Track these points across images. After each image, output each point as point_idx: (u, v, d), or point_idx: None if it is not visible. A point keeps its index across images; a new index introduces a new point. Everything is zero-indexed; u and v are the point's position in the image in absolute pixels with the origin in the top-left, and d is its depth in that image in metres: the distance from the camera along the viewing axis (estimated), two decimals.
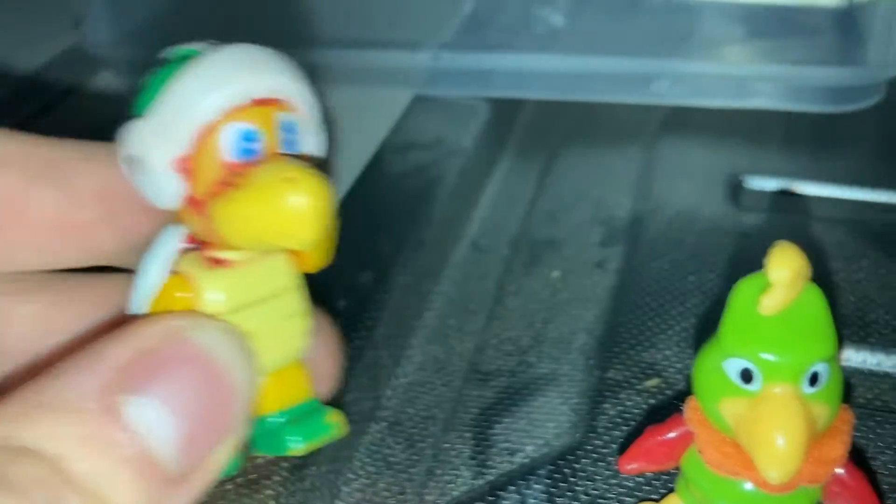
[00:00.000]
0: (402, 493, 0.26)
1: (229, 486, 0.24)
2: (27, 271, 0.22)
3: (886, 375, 0.28)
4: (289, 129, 0.19)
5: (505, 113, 0.42)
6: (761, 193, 0.35)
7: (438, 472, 0.26)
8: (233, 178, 0.18)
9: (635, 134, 0.40)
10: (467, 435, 0.27)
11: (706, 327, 0.24)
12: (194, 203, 0.19)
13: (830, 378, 0.19)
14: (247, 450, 0.22)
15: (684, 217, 0.35)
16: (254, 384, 0.19)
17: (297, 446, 0.21)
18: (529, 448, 0.26)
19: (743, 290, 0.20)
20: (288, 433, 0.22)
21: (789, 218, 0.34)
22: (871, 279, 0.31)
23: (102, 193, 0.21)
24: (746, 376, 0.19)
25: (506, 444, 0.26)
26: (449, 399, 0.28)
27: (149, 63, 0.20)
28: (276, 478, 0.25)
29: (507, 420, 0.27)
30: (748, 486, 0.20)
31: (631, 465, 0.22)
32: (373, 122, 0.40)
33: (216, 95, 0.18)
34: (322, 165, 0.20)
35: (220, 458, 0.18)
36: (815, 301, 0.19)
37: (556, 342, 0.30)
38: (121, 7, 0.42)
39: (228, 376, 0.19)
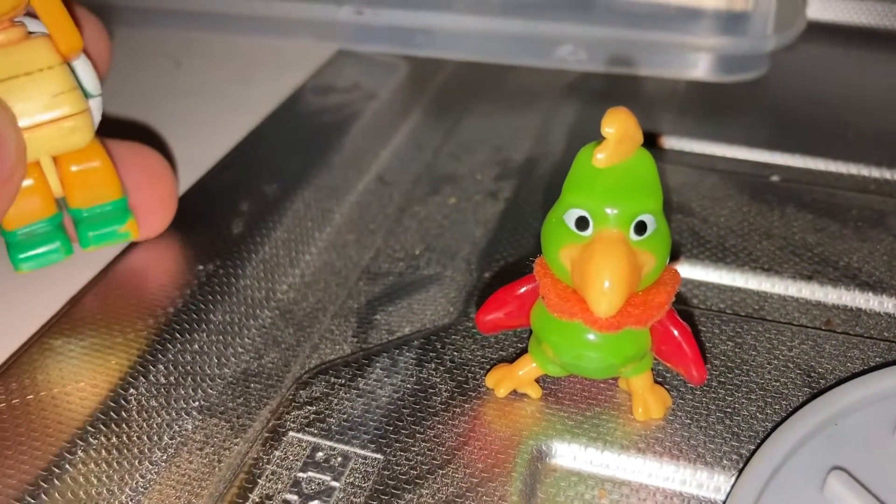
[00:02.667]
0: (286, 366, 0.28)
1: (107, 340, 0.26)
2: None
3: (737, 289, 0.31)
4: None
5: (422, 71, 0.45)
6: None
7: (322, 348, 0.28)
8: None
9: (540, 95, 0.43)
10: (352, 319, 0.29)
11: None
12: None
13: (656, 231, 0.22)
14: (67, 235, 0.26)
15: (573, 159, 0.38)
16: (16, 145, 0.23)
17: (86, 245, 0.27)
18: (406, 329, 0.28)
19: (584, 153, 0.22)
20: (84, 229, 0.26)
21: (671, 166, 0.37)
22: (733, 215, 0.34)
23: None
24: (582, 224, 0.22)
25: (386, 326, 0.29)
26: (340, 295, 0.31)
27: None
28: (166, 336, 0.26)
29: (390, 308, 0.29)
30: (590, 335, 0.23)
31: (486, 318, 0.25)
32: (294, 67, 0.43)
33: None
34: None
35: None
36: (646, 164, 0.22)
37: (444, 251, 0.32)
38: None
39: None
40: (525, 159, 0.38)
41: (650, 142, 0.39)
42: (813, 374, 0.26)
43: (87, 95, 0.26)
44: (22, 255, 0.26)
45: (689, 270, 0.31)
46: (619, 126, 0.21)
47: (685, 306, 0.29)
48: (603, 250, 0.21)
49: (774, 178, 0.37)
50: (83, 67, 0.26)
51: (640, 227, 0.22)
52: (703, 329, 0.28)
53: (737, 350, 0.28)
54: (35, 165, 0.25)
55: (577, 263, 0.22)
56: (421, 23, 0.43)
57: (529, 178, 0.37)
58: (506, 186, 0.36)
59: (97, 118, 0.27)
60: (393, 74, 0.44)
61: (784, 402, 0.25)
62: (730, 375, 0.27)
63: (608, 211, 0.21)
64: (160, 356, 0.26)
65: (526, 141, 0.40)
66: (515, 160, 0.38)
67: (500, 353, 0.27)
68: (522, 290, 0.24)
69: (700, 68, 0.42)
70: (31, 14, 0.25)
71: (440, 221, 0.34)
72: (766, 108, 0.43)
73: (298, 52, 0.44)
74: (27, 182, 0.25)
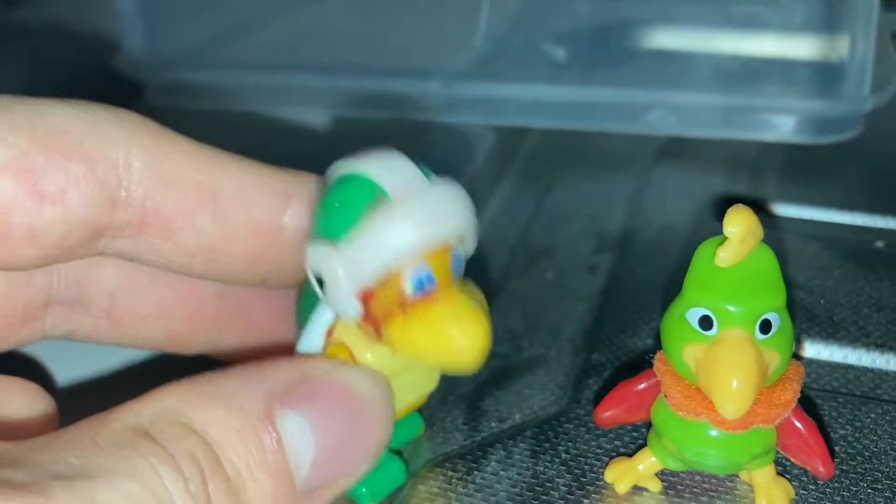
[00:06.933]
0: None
1: None
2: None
3: (850, 367, 0.30)
4: (457, 259, 0.22)
5: (510, 140, 0.45)
6: None
7: (433, 436, 0.28)
8: (406, 306, 0.21)
9: (630, 160, 0.43)
10: (462, 405, 0.29)
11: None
12: (370, 319, 0.21)
13: (781, 328, 0.22)
14: None
15: (671, 230, 0.37)
16: (388, 436, 0.22)
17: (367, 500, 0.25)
18: (517, 416, 0.28)
19: (704, 249, 0.22)
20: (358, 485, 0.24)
21: (770, 233, 0.36)
22: (840, 286, 0.33)
23: (253, 233, 0.23)
24: (706, 323, 0.22)
25: (496, 413, 0.29)
26: (446, 378, 0.31)
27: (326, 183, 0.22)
28: None
29: (498, 393, 0.30)
30: (713, 432, 0.23)
31: (606, 414, 0.25)
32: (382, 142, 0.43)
33: (408, 245, 0.21)
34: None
35: (340, 487, 0.21)
36: (768, 259, 0.22)
37: (547, 331, 0.32)
38: (158, 33, 0.46)
39: (370, 422, 0.21)
40: (621, 230, 0.38)
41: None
42: None
43: None
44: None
45: (799, 347, 0.31)
46: (742, 225, 0.21)
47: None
48: (730, 351, 0.21)
49: (879, 245, 0.36)
50: None
51: (766, 326, 0.21)
52: (821, 412, 0.28)
53: (857, 435, 0.27)
54: None
55: (703, 364, 0.21)
56: (508, 94, 0.44)
57: (628, 251, 0.36)
58: (604, 259, 0.36)
59: None
60: (481, 144, 0.44)
61: None
62: (852, 463, 0.26)
63: (733, 310, 0.21)
64: None
65: (620, 209, 0.40)
66: (611, 231, 0.38)
67: (615, 442, 0.27)
68: (642, 385, 0.24)
69: (792, 131, 0.41)
70: None
71: (540, 298, 0.34)
72: (863, 168, 0.42)
73: (386, 126, 0.45)
74: None
